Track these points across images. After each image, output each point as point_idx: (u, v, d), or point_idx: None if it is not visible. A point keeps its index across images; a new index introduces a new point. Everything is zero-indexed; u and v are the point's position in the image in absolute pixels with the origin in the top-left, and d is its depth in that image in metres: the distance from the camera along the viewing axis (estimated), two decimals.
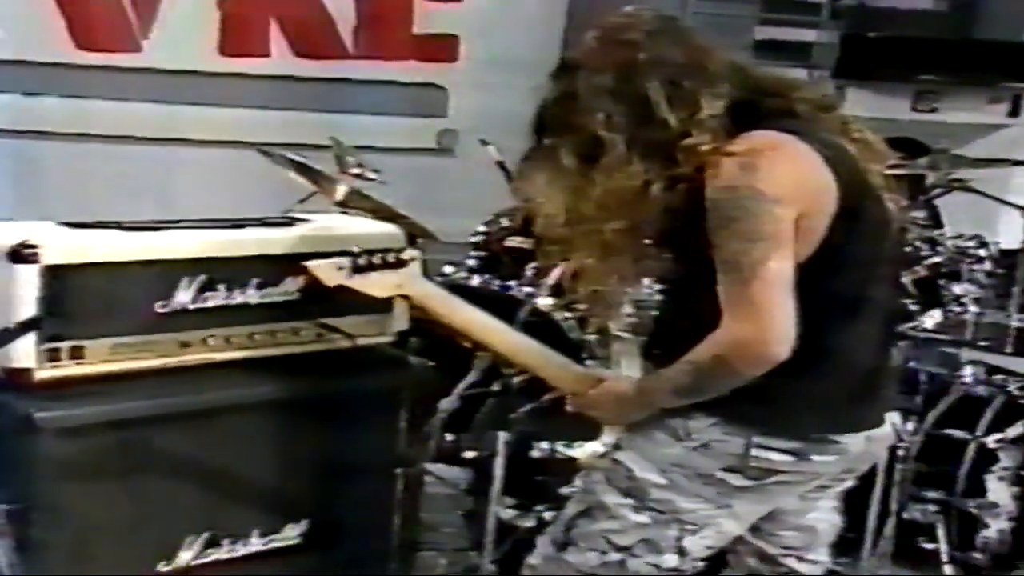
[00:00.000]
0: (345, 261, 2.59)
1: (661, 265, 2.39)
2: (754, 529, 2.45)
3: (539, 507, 3.44)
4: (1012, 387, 3.86)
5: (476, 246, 4.16)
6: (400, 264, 2.59)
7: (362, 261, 2.58)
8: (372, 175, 3.81)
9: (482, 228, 4.21)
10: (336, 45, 5.89)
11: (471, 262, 4.11)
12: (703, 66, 2.29)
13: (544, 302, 3.68)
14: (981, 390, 3.85)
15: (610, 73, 2.28)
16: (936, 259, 3.93)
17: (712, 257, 2.20)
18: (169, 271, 2.77)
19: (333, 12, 5.86)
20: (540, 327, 3.42)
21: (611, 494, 2.38)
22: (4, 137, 5.31)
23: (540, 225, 2.41)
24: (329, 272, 2.61)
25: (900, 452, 3.56)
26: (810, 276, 2.21)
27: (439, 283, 2.94)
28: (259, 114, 5.68)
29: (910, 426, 3.66)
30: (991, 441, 3.77)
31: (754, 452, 2.28)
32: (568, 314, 3.69)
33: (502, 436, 3.19)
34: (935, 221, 4.27)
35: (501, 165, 4.27)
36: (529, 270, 3.85)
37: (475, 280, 3.94)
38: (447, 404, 3.44)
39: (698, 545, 2.36)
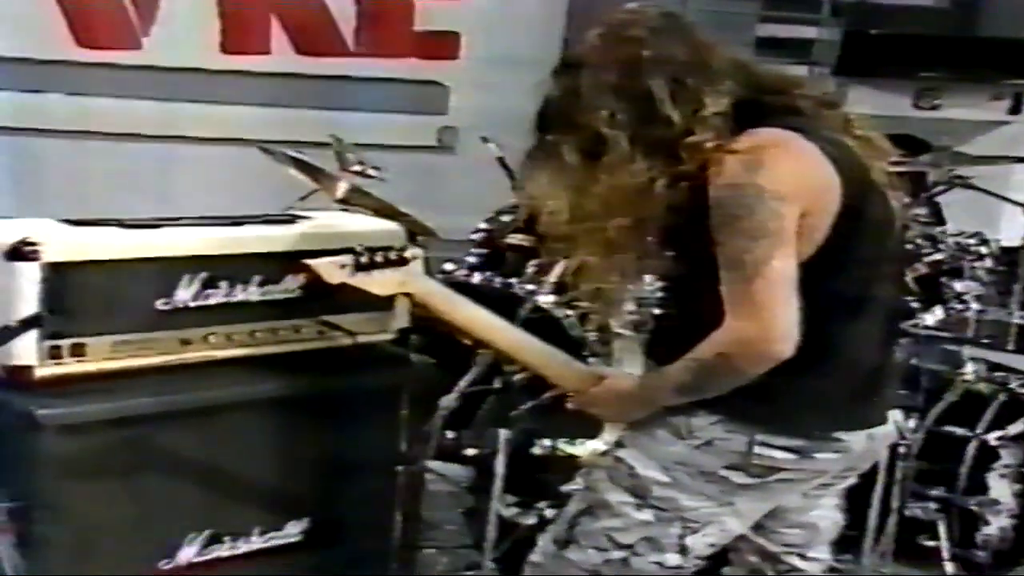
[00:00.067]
0: (348, 259, 2.58)
1: (664, 263, 2.39)
2: (756, 527, 2.45)
3: (540, 505, 3.44)
4: (1013, 384, 3.85)
5: (477, 243, 4.16)
6: (402, 262, 2.59)
7: (364, 259, 2.57)
8: (373, 172, 3.81)
9: (483, 225, 4.21)
10: (337, 42, 5.89)
11: (472, 259, 4.11)
12: (707, 63, 2.28)
13: (545, 299, 3.68)
14: (982, 387, 3.85)
15: (613, 70, 2.27)
16: (937, 256, 3.93)
17: (715, 255, 2.20)
18: (170, 268, 2.77)
19: (334, 9, 5.86)
20: (541, 324, 3.42)
21: (613, 492, 2.37)
22: (5, 134, 5.31)
23: (543, 223, 2.40)
24: (331, 270, 2.61)
25: (901, 450, 3.56)
26: (813, 274, 2.20)
27: (440, 280, 2.94)
28: (260, 111, 5.68)
29: (911, 423, 3.66)
30: (992, 438, 3.77)
31: (757, 450, 2.28)
32: (569, 311, 3.69)
33: (503, 434, 3.19)
34: (937, 218, 4.26)
35: (502, 162, 4.27)
36: (530, 267, 3.85)
37: (476, 277, 3.94)
38: (448, 402, 3.44)
39: (700, 543, 2.36)
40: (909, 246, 3.75)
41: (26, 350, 2.61)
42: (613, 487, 2.38)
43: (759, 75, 2.36)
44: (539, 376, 2.64)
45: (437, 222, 3.71)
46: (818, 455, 2.31)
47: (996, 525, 3.74)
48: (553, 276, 3.64)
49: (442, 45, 6.03)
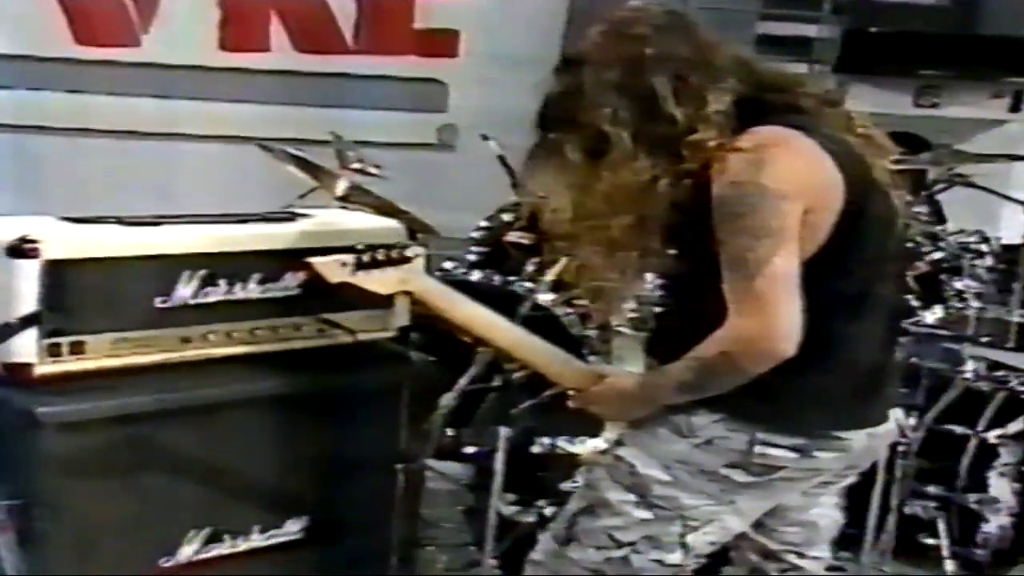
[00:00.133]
0: (349, 258, 2.57)
1: (666, 261, 2.38)
2: (757, 525, 2.45)
3: (540, 503, 3.44)
4: (1013, 382, 3.85)
5: (477, 241, 4.15)
6: (404, 260, 2.58)
7: (366, 258, 2.56)
8: (373, 170, 3.80)
9: (483, 223, 4.21)
10: (336, 40, 5.89)
11: (472, 257, 4.10)
12: (710, 61, 2.28)
13: (545, 297, 3.67)
14: (982, 385, 3.85)
15: (616, 68, 2.27)
16: (938, 255, 3.93)
17: (717, 253, 2.20)
18: (170, 266, 2.76)
19: (333, 7, 5.86)
20: (541, 322, 3.42)
21: (614, 490, 2.37)
22: (4, 132, 5.30)
23: (546, 221, 2.40)
24: (332, 269, 2.60)
25: (901, 448, 3.56)
26: (815, 272, 2.20)
27: (440, 278, 2.93)
28: (259, 109, 5.68)
29: (911, 422, 3.66)
30: (992, 437, 3.77)
31: (757, 448, 2.27)
32: (569, 310, 3.68)
33: (503, 432, 3.18)
34: (937, 217, 4.27)
35: (502, 160, 4.27)
36: (530, 265, 3.85)
37: (476, 275, 3.94)
38: (448, 400, 3.43)
39: (701, 541, 2.36)
40: (910, 244, 3.75)
41: (26, 348, 2.61)
42: (614, 485, 2.38)
43: (762, 73, 2.35)
44: (539, 374, 2.63)
45: (437, 220, 3.70)
46: (819, 454, 2.31)
47: (996, 523, 3.73)
48: (552, 274, 3.63)
49: (442, 43, 6.03)
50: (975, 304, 3.88)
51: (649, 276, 2.84)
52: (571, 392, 2.53)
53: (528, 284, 3.76)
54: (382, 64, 5.97)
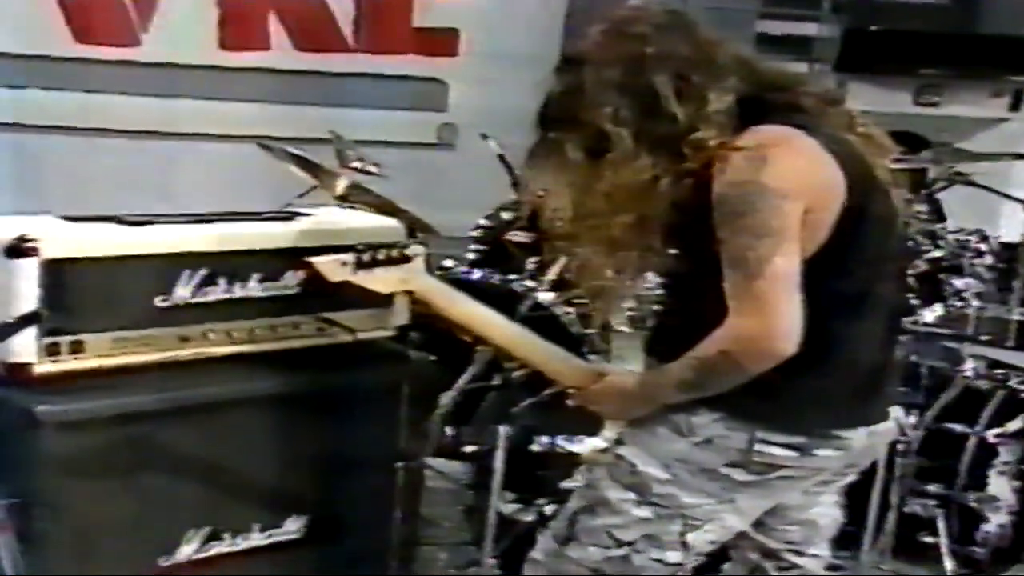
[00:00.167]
0: (349, 257, 2.57)
1: (667, 260, 2.38)
2: (756, 524, 2.45)
3: (540, 502, 3.44)
4: (1013, 381, 3.85)
5: (477, 240, 4.15)
6: (404, 260, 2.58)
7: (366, 257, 2.56)
8: (372, 169, 3.80)
9: (483, 222, 4.21)
10: (336, 39, 5.89)
11: (471, 256, 4.10)
12: (711, 60, 2.28)
13: (545, 296, 3.67)
14: (982, 384, 3.85)
15: (617, 67, 2.27)
16: (937, 253, 3.93)
17: (718, 252, 2.20)
18: (169, 265, 2.76)
19: (333, 6, 5.86)
20: (541, 321, 3.42)
21: (614, 489, 2.37)
22: (3, 131, 5.30)
23: (546, 220, 2.40)
24: (333, 268, 2.60)
25: (901, 447, 3.56)
26: (816, 271, 2.20)
27: (439, 277, 2.93)
28: (259, 108, 5.69)
29: (911, 420, 3.66)
30: (992, 435, 3.77)
31: (757, 447, 2.27)
32: (569, 308, 3.68)
33: (503, 430, 3.18)
34: (937, 215, 4.26)
35: (502, 159, 4.27)
36: (530, 264, 3.85)
37: (476, 274, 3.94)
38: (448, 398, 3.43)
39: (701, 540, 2.36)
40: (910, 243, 3.75)
41: (25, 347, 2.61)
42: (614, 484, 2.38)
43: (763, 72, 2.35)
44: (539, 373, 2.63)
45: (437, 219, 3.70)
46: (819, 452, 2.31)
47: (995, 522, 3.74)
48: (552, 273, 3.63)
49: (441, 42, 6.03)
50: (975, 303, 3.87)
51: (649, 275, 2.84)
52: (571, 391, 2.53)
53: (528, 283, 3.76)
54: (382, 63, 5.97)
